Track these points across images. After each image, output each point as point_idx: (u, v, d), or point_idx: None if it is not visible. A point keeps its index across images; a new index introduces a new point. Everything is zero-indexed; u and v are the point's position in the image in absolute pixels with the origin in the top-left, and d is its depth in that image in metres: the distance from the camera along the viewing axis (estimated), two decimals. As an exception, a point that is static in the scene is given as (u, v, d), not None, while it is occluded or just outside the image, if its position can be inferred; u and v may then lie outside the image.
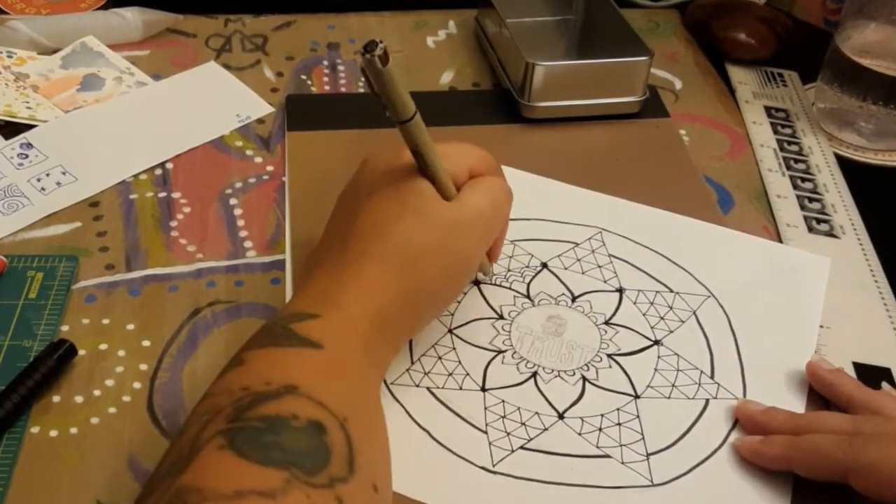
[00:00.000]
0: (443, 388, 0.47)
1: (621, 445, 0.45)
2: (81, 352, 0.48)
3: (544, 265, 0.54)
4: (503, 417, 0.46)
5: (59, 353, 0.46)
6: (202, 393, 0.46)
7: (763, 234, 0.58)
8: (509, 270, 0.54)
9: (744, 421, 0.46)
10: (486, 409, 0.46)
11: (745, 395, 0.48)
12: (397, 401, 0.46)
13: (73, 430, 0.44)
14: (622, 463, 0.44)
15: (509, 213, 0.48)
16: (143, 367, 0.48)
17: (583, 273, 0.54)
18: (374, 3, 0.77)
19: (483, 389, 0.47)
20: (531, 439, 0.45)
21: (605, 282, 0.53)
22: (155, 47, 0.71)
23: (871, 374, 0.49)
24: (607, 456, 0.44)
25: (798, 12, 0.78)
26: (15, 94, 0.64)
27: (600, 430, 0.46)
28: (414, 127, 0.42)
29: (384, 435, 0.39)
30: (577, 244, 0.55)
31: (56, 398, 0.46)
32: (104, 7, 0.74)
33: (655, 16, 0.79)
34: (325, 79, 0.69)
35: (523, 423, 0.46)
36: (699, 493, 0.43)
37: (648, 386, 0.48)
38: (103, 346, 0.48)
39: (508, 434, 0.45)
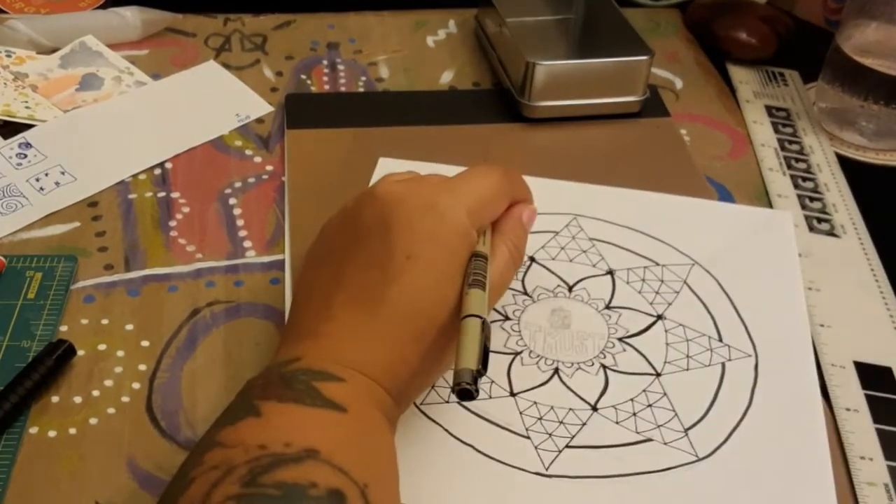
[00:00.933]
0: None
1: (658, 426, 0.45)
2: (80, 352, 0.47)
3: (532, 259, 0.54)
4: (540, 419, 0.45)
5: (57, 353, 0.46)
6: (201, 393, 0.46)
7: (764, 234, 0.58)
8: None
9: None
10: (521, 413, 0.46)
11: (755, 351, 0.48)
12: (434, 421, 0.45)
13: (72, 431, 0.44)
14: (665, 444, 0.44)
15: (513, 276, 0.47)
16: (142, 367, 0.47)
17: (570, 261, 0.54)
18: (374, 2, 0.77)
19: (512, 394, 0.47)
20: (573, 436, 0.45)
21: (593, 266, 0.53)
22: (154, 47, 0.71)
23: (871, 374, 0.49)
24: (649, 440, 0.45)
25: (799, 12, 0.78)
26: (14, 94, 0.63)
27: (634, 415, 0.46)
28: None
29: (398, 493, 0.38)
30: (556, 233, 0.55)
31: (55, 398, 0.46)
32: (103, 6, 0.74)
33: (656, 15, 0.79)
34: (325, 78, 0.69)
35: (561, 422, 0.45)
36: (743, 456, 0.44)
37: (666, 362, 0.48)
38: (102, 347, 0.48)
39: (550, 435, 0.45)
